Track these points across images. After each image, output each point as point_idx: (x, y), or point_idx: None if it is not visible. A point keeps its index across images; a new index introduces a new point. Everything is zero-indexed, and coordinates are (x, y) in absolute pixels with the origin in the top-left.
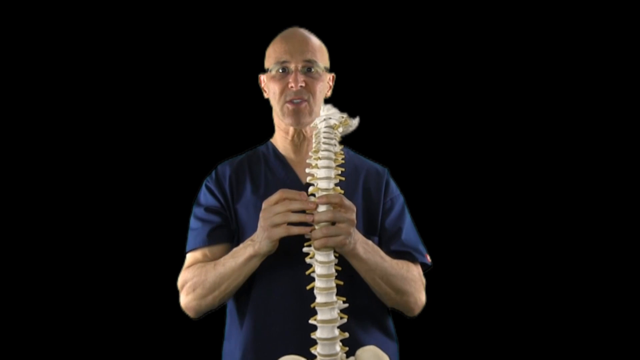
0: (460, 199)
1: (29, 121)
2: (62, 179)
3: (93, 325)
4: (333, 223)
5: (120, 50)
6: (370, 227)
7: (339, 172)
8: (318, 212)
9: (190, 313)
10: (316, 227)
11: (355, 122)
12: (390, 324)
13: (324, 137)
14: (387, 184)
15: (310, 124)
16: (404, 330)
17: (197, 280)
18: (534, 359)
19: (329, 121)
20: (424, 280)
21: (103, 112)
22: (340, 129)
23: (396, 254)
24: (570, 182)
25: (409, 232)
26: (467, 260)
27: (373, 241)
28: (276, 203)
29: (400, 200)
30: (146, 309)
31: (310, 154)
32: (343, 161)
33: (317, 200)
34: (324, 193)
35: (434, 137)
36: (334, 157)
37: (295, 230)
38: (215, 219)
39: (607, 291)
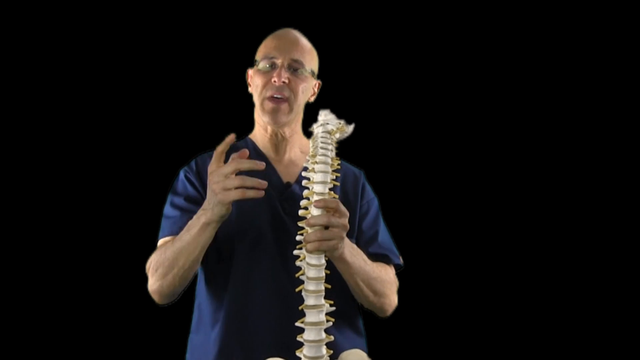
0: (430, 201)
1: (18, 117)
2: (44, 172)
3: (76, 320)
4: (326, 227)
5: (106, 47)
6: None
7: (334, 177)
8: (313, 216)
9: (155, 297)
10: (309, 230)
11: (350, 129)
12: (360, 323)
13: (321, 142)
14: (364, 187)
15: (287, 125)
16: (373, 329)
17: (158, 259)
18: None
19: (326, 126)
20: (397, 282)
21: (86, 108)
22: (337, 135)
23: (374, 256)
24: (549, 179)
25: (384, 234)
26: (435, 261)
27: None
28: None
29: (375, 203)
30: (120, 301)
31: (307, 157)
32: (339, 166)
33: (314, 204)
34: (320, 197)
35: (406, 140)
36: (330, 162)
37: (251, 194)
38: (195, 209)
39: (590, 291)
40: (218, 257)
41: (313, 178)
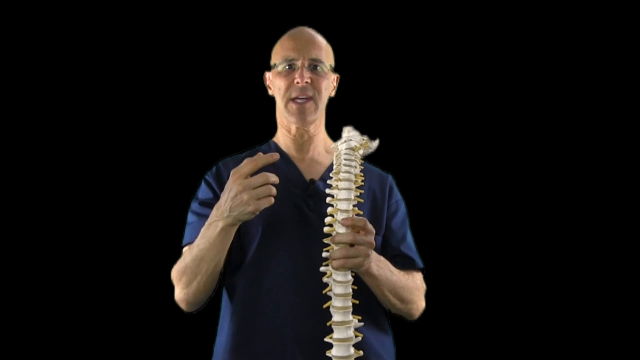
0: (454, 205)
1: (32, 120)
2: (62, 176)
3: (88, 322)
4: (351, 244)
5: (124, 49)
6: (375, 227)
7: (358, 194)
8: (339, 233)
9: (182, 305)
10: (335, 247)
11: (374, 145)
12: (387, 322)
13: (345, 159)
14: (391, 188)
15: (314, 123)
16: (400, 328)
17: (180, 268)
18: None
19: (349, 143)
20: (424, 287)
21: (106, 110)
22: (361, 151)
23: (403, 258)
24: (568, 186)
25: (409, 237)
26: (458, 265)
27: (376, 241)
28: (247, 175)
29: (402, 205)
30: (143, 306)
31: (331, 174)
32: (362, 183)
33: (341, 222)
34: (346, 215)
35: (432, 144)
36: (354, 179)
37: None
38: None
39: (609, 305)
40: (242, 254)
41: (337, 195)
